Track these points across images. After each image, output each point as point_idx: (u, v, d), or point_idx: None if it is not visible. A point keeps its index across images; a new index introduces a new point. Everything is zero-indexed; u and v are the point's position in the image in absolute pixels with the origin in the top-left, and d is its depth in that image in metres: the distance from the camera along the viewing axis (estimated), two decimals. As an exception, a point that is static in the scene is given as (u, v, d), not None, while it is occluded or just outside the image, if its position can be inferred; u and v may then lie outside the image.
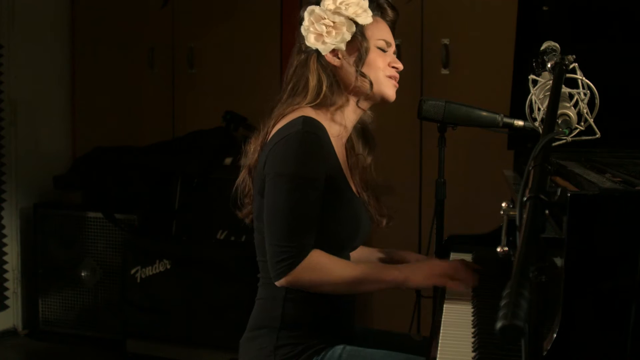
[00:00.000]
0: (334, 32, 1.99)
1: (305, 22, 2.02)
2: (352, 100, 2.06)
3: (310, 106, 2.00)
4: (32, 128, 4.66)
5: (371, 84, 2.03)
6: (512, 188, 2.24)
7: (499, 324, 0.83)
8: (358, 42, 2.02)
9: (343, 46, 2.01)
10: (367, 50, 2.02)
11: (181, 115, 4.66)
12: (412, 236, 3.99)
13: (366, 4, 2.02)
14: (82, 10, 4.85)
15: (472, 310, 1.89)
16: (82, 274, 4.30)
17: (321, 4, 2.02)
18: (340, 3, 2.00)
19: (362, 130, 2.18)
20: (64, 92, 4.87)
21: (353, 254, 2.16)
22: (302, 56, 2.05)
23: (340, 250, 2.03)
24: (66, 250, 4.32)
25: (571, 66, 1.59)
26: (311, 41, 2.00)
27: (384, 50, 2.06)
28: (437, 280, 1.96)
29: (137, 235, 4.14)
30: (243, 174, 2.08)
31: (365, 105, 2.08)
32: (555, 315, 1.32)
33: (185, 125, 4.56)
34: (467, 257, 2.41)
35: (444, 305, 1.91)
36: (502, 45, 3.25)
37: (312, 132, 1.92)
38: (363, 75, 2.02)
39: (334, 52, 2.02)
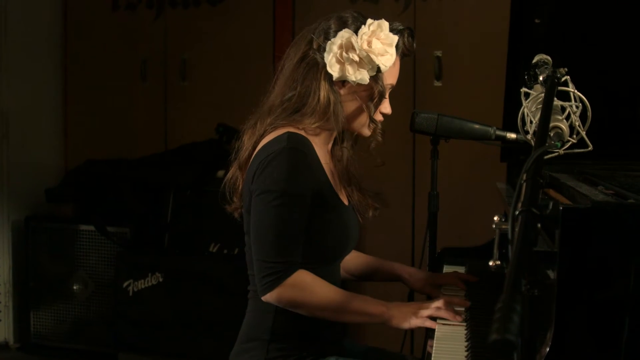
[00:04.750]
0: (356, 68, 1.94)
1: (336, 44, 1.94)
2: (340, 127, 2.04)
3: (307, 127, 1.97)
4: (24, 140, 4.65)
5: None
6: (505, 201, 2.24)
7: (491, 338, 0.83)
8: (371, 83, 1.97)
9: (356, 83, 1.97)
10: (381, 96, 1.98)
11: (173, 128, 4.65)
12: (405, 248, 3.99)
13: (394, 46, 1.96)
14: (74, 21, 4.85)
15: (465, 324, 1.88)
16: (74, 287, 4.28)
17: (358, 34, 1.94)
18: (374, 45, 1.93)
19: None
20: (56, 104, 4.86)
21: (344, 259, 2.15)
22: (310, 59, 1.99)
23: (332, 261, 2.03)
24: (58, 264, 4.30)
25: (563, 79, 1.60)
26: (332, 64, 1.94)
27: (384, 96, 2.02)
28: (421, 323, 1.91)
29: (129, 248, 4.13)
30: (233, 170, 2.07)
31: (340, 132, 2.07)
32: (548, 329, 1.32)
33: (178, 138, 4.55)
34: (460, 269, 2.40)
35: (437, 320, 1.90)
36: (495, 57, 3.26)
37: (297, 148, 1.91)
38: (374, 122, 2.01)
39: (343, 81, 1.98)
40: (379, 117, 2.04)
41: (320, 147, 2.01)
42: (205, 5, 4.54)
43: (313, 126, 1.96)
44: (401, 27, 2.01)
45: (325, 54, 1.95)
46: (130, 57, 4.68)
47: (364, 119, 2.01)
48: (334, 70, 1.94)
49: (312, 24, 2.04)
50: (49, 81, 4.83)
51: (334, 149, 2.09)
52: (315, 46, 1.98)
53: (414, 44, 2.04)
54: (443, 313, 1.90)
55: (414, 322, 1.90)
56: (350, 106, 2.00)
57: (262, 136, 2.00)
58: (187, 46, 4.57)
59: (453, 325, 1.88)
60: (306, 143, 1.94)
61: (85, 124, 4.84)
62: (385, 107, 2.05)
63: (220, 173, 4.14)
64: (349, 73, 1.94)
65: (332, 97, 1.96)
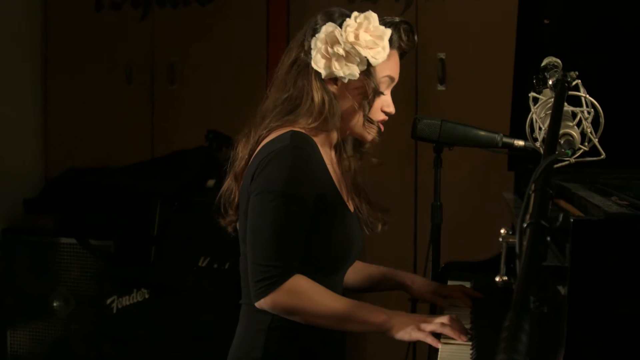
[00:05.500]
0: (343, 63, 1.94)
1: (320, 39, 1.95)
2: (338, 129, 2.04)
3: (305, 128, 1.98)
4: (1, 148, 4.64)
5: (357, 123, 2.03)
6: (513, 212, 2.24)
7: (498, 359, 0.83)
8: (364, 79, 1.97)
9: (346, 79, 1.97)
10: (375, 92, 1.98)
11: (161, 135, 4.65)
12: (408, 263, 3.98)
13: (387, 38, 1.96)
14: (54, 22, 4.85)
15: (471, 343, 1.88)
16: (54, 304, 4.27)
17: (343, 26, 1.94)
18: (362, 37, 1.94)
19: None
20: (35, 109, 4.86)
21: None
22: (301, 60, 2.00)
23: (334, 272, 2.03)
24: (37, 279, 4.29)
25: (574, 83, 1.60)
26: (317, 61, 1.95)
27: (382, 94, 2.02)
28: (423, 337, 1.89)
29: (113, 262, 4.12)
30: (228, 181, 2.07)
31: (341, 135, 2.07)
32: (558, 350, 1.32)
33: (165, 145, 4.55)
34: (466, 285, 2.40)
35: (441, 338, 1.90)
36: (501, 60, 3.26)
37: (301, 147, 1.92)
38: (370, 121, 2.01)
39: (334, 78, 1.99)
40: (381, 117, 2.04)
41: (321, 147, 2.01)
42: (194, 4, 4.55)
43: (309, 127, 1.97)
44: (396, 20, 2.01)
45: (312, 51, 1.96)
46: (115, 60, 4.68)
47: (360, 118, 2.01)
48: (319, 66, 1.94)
49: (303, 27, 2.04)
50: (28, 85, 4.82)
51: (341, 158, 2.10)
52: (306, 47, 1.99)
53: (415, 38, 2.03)
54: (448, 331, 1.88)
55: (415, 335, 1.88)
56: (344, 105, 2.01)
57: (257, 143, 2.00)
58: (175, 48, 4.57)
59: (458, 344, 1.87)
60: (311, 143, 1.95)
61: (66, 130, 4.83)
62: (388, 105, 2.05)
63: (211, 182, 4.14)
64: (335, 68, 1.94)
65: (326, 97, 1.97)
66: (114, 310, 3.95)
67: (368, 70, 1.96)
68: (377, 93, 2.00)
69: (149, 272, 4.00)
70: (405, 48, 2.04)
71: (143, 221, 4.20)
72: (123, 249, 4.18)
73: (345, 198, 2.06)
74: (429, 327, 1.88)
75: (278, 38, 4.32)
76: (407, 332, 1.88)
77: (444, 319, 1.91)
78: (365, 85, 1.98)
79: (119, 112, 4.71)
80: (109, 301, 3.97)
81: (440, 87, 4.03)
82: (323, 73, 1.95)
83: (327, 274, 1.98)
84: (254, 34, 4.41)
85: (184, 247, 4.06)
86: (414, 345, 2.57)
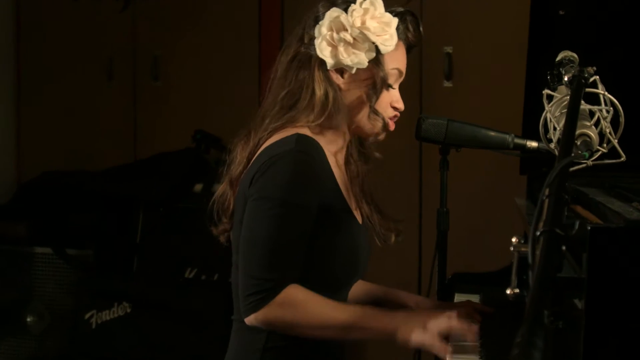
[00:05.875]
0: (351, 51, 1.94)
1: (325, 25, 1.95)
2: (345, 126, 2.04)
3: (309, 126, 1.98)
4: (-29, 150, 4.64)
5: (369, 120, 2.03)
6: (525, 219, 2.24)
7: (509, 379, 0.83)
8: (372, 69, 1.98)
9: (353, 69, 1.97)
10: (383, 82, 1.99)
11: (144, 135, 4.65)
12: (411, 274, 3.98)
13: (394, 26, 1.97)
14: (28, 15, 4.85)
15: (480, 361, 1.88)
16: (28, 320, 4.26)
17: (348, 12, 1.95)
18: (369, 24, 1.94)
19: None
20: (7, 108, 4.85)
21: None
22: (302, 54, 2.00)
23: (338, 290, 2.02)
24: (9, 292, 4.28)
25: (591, 79, 1.60)
26: (323, 48, 1.95)
27: (391, 87, 2.03)
28: (430, 340, 1.88)
29: (92, 273, 4.11)
30: (223, 187, 2.06)
31: (349, 134, 2.08)
32: (575, 368, 1.32)
33: (149, 146, 4.55)
34: (474, 298, 2.40)
35: (447, 357, 1.89)
36: (513, 54, 3.27)
37: (306, 151, 1.92)
38: (376, 113, 2.01)
39: (339, 70, 2.00)
40: (391, 113, 2.04)
41: (329, 152, 2.01)
42: (180, -6, 4.56)
43: (313, 124, 1.97)
44: (401, 10, 2.02)
45: (315, 40, 1.96)
46: (94, 54, 4.68)
47: (366, 112, 2.02)
48: (325, 54, 1.94)
49: (301, 22, 2.05)
50: None
51: (348, 163, 2.10)
52: (306, 40, 1.99)
53: (421, 30, 2.04)
54: (455, 323, 1.85)
55: (421, 337, 1.84)
56: (350, 99, 2.01)
57: (257, 145, 2.00)
58: (159, 41, 4.58)
59: (467, 356, 1.87)
60: (317, 148, 1.95)
61: (41, 130, 4.83)
62: (398, 100, 2.05)
63: (199, 187, 4.14)
64: (343, 56, 1.94)
65: (329, 89, 1.97)
66: (93, 326, 3.95)
67: (377, 58, 1.97)
68: (386, 84, 2.00)
69: (131, 285, 4.00)
70: (412, 40, 2.05)
71: (125, 228, 4.20)
72: (103, 259, 4.18)
73: (352, 207, 2.05)
74: (436, 325, 1.85)
75: (271, 29, 4.32)
76: (413, 334, 1.85)
77: (451, 313, 1.89)
78: (374, 75, 1.98)
79: (99, 110, 4.71)
80: (87, 316, 3.96)
81: (447, 84, 4.03)
82: (329, 62, 1.95)
83: (331, 291, 1.97)
84: (245, 25, 4.41)
85: (170, 257, 4.06)
86: (419, 353, 2.57)
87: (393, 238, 2.16)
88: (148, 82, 4.61)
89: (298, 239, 1.89)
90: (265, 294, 1.85)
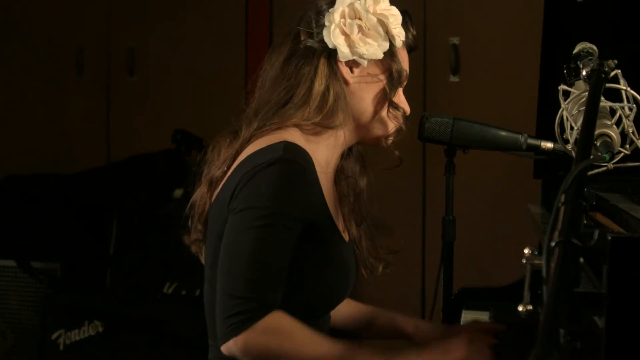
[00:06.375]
0: (366, 40, 1.97)
1: (337, 11, 1.96)
2: (346, 129, 2.05)
3: (300, 125, 1.98)
4: None
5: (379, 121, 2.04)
6: (540, 228, 2.24)
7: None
8: (386, 62, 2.01)
9: (365, 62, 1.99)
10: (400, 75, 2.01)
11: (118, 135, 4.65)
12: (414, 289, 3.99)
13: (401, 21, 2.00)
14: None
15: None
16: (-11, 340, 4.26)
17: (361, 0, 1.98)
18: (387, 12, 1.97)
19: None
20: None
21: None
22: (302, 50, 2.01)
23: (320, 313, 2.02)
24: (-32, 309, 4.29)
25: (612, 74, 1.60)
26: (335, 37, 1.96)
27: (406, 77, 2.06)
28: None
29: (60, 289, 4.11)
30: (202, 188, 2.05)
31: (349, 139, 2.08)
32: (595, 393, 1.32)
33: (124, 148, 4.55)
34: (483, 316, 2.40)
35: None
36: (526, 46, 3.27)
37: (294, 160, 1.91)
38: (395, 107, 2.02)
39: (350, 64, 2.01)
40: (398, 116, 2.06)
41: (321, 160, 2.01)
42: (159, -20, 4.56)
43: (309, 122, 1.97)
44: (400, 9, 2.04)
45: (325, 30, 1.96)
46: (63, 45, 4.68)
47: (382, 112, 2.04)
48: (339, 42, 1.95)
49: (287, 26, 2.06)
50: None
51: (339, 179, 2.10)
52: (303, 37, 2.01)
53: (415, 32, 2.08)
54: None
55: None
56: (361, 95, 2.03)
57: (247, 143, 1.99)
58: (135, 32, 4.57)
59: None
60: (306, 157, 1.95)
61: (4, 129, 4.82)
62: (403, 102, 2.08)
63: (179, 192, 4.14)
64: (358, 45, 1.96)
65: (332, 84, 1.98)
66: (61, 347, 3.94)
67: (391, 50, 1.99)
68: (402, 77, 2.02)
69: (104, 301, 4.00)
70: (412, 42, 2.08)
71: (97, 239, 4.19)
72: (72, 273, 4.17)
73: (340, 226, 2.05)
74: None
75: (259, 18, 4.32)
76: None
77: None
78: (389, 68, 2.01)
79: (68, 108, 4.71)
80: (54, 336, 3.95)
81: (453, 78, 4.04)
82: (343, 52, 1.96)
83: (310, 316, 1.96)
84: (230, 13, 4.41)
85: (146, 271, 4.06)
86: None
87: (380, 269, 2.15)
88: (123, 77, 4.62)
89: (284, 254, 1.88)
90: (248, 315, 1.83)
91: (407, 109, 2.08)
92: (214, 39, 4.42)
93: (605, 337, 1.30)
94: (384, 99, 2.03)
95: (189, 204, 2.06)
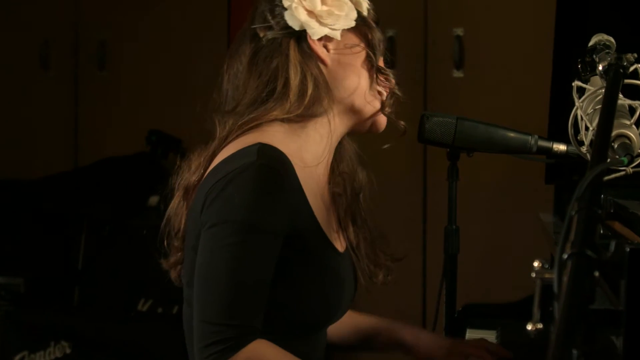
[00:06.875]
0: (333, 12, 2.00)
1: None
2: (334, 114, 2.05)
3: (283, 119, 1.99)
4: None
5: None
6: (551, 239, 2.25)
7: None
8: (361, 30, 2.05)
9: (338, 34, 2.01)
10: (379, 40, 2.06)
11: (87, 136, 4.64)
12: (413, 306, 3.99)
13: None
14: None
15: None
16: (-55, 363, 4.26)
17: None
18: None
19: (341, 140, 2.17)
20: None
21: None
22: (267, 45, 2.03)
23: (311, 333, 2.02)
24: None
25: (631, 68, 1.61)
26: (300, 15, 1.99)
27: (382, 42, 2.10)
28: None
29: (23, 306, 4.10)
30: (177, 198, 2.05)
31: (340, 126, 2.08)
32: (612, 419, 1.32)
33: (94, 150, 4.55)
34: (490, 335, 2.41)
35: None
36: (537, 39, 3.28)
37: (271, 166, 1.91)
38: (383, 72, 2.05)
39: (322, 41, 2.03)
40: (390, 80, 2.09)
41: (307, 157, 2.01)
42: (130, -35, 4.56)
43: (292, 115, 1.97)
44: None
45: (287, 13, 1.99)
46: (26, 38, 4.67)
47: (371, 79, 2.06)
48: (309, 21, 1.99)
49: (246, 23, 2.09)
50: None
51: (333, 175, 2.10)
52: (262, 33, 2.03)
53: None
54: None
55: None
56: (343, 71, 2.05)
57: (225, 141, 1.99)
58: (106, 24, 4.57)
59: None
60: (284, 160, 1.94)
61: (-38, 130, 4.82)
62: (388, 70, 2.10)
63: (154, 200, 4.13)
64: (326, 18, 2.00)
65: (308, 70, 2.00)
66: (25, 370, 3.94)
67: (361, 16, 2.04)
68: (383, 42, 2.07)
69: (72, 320, 3.99)
70: (373, 16, 2.11)
71: (64, 252, 4.19)
72: (36, 289, 4.17)
73: (331, 232, 2.05)
74: None
75: (243, 8, 4.32)
76: None
77: None
78: (367, 34, 2.05)
79: (32, 106, 4.70)
80: (17, 358, 3.95)
81: (457, 74, 4.04)
82: (313, 29, 1.98)
83: (302, 335, 1.97)
84: (211, 3, 4.41)
85: (118, 286, 4.05)
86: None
87: (381, 276, 2.16)
88: (92, 72, 4.61)
89: (264, 273, 1.88)
90: (227, 344, 1.83)
91: (392, 81, 2.10)
92: (193, 31, 4.42)
93: (623, 357, 1.31)
94: (369, 68, 2.06)
95: (165, 219, 2.06)
